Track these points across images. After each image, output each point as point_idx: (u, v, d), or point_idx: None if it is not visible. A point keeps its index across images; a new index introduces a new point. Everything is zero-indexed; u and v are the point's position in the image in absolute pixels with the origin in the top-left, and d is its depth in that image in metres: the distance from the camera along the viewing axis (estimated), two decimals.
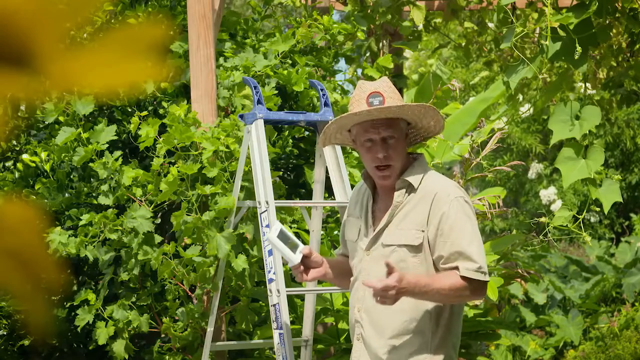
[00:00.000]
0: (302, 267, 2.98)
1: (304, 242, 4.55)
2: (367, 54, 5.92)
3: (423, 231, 2.86)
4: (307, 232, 4.23)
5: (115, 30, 0.81)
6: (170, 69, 4.42)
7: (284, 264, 3.61)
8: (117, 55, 0.81)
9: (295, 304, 4.62)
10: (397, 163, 2.91)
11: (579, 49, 3.49)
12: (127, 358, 4.17)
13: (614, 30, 4.46)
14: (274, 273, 3.58)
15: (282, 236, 2.98)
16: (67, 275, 4.53)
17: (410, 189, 2.91)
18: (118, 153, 4.25)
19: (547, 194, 11.92)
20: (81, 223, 4.12)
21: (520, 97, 5.46)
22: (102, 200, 4.21)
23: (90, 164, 4.24)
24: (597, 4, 3.55)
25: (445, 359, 2.89)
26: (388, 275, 2.66)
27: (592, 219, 12.35)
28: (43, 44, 0.78)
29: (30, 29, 0.78)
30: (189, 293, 4.16)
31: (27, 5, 0.78)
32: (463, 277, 2.79)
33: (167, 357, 4.17)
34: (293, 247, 2.98)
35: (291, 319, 4.52)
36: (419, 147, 5.60)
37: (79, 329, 4.27)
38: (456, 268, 2.80)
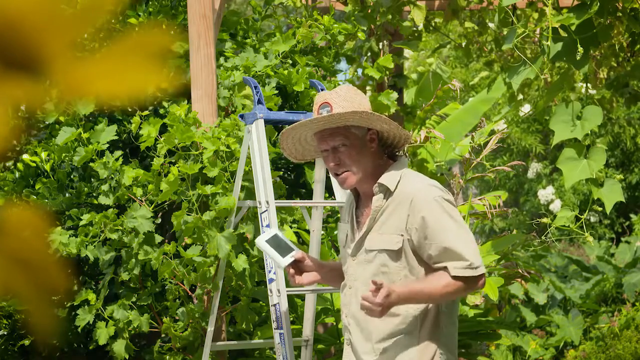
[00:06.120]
0: (292, 271, 3.00)
1: (305, 242, 4.56)
2: (368, 54, 5.92)
3: (402, 235, 2.85)
4: (308, 232, 4.23)
5: (123, 37, 0.81)
6: (171, 69, 4.42)
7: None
8: (125, 62, 0.80)
9: (295, 304, 4.62)
10: (356, 168, 2.89)
11: (580, 49, 3.49)
12: (127, 358, 4.17)
13: (615, 30, 4.46)
14: (274, 273, 3.58)
15: (274, 240, 3.01)
16: (68, 275, 4.53)
17: (388, 192, 2.89)
18: (118, 153, 4.25)
19: (545, 193, 11.92)
20: (82, 223, 4.12)
21: (521, 97, 5.46)
22: (103, 200, 4.21)
23: (91, 164, 4.24)
24: (598, 4, 3.54)
25: (434, 357, 2.87)
26: (375, 292, 2.67)
27: (592, 219, 12.35)
28: (51, 50, 0.78)
29: (39, 35, 0.78)
30: (190, 293, 4.16)
31: (37, 11, 0.77)
32: (454, 276, 2.78)
33: (167, 357, 4.17)
34: (285, 252, 3.00)
35: (291, 318, 4.52)
36: (419, 147, 5.61)
37: (79, 329, 4.27)
38: (445, 268, 2.78)
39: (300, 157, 3.18)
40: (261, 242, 3.02)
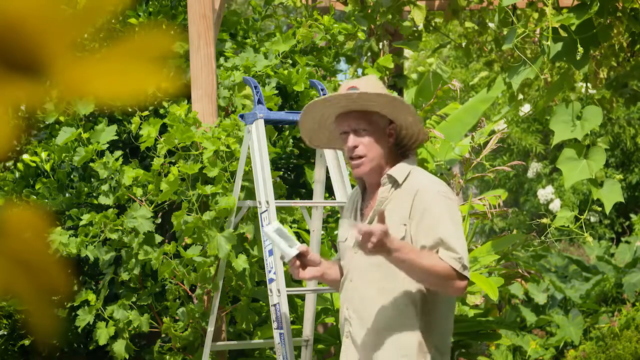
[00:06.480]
0: (297, 262, 3.00)
1: (305, 242, 4.55)
2: (368, 54, 5.91)
3: (405, 225, 2.87)
4: (308, 232, 4.23)
5: (123, 38, 0.81)
6: (171, 69, 4.42)
7: (284, 264, 3.63)
8: (125, 63, 0.80)
9: (295, 304, 4.62)
10: (372, 155, 2.92)
11: (580, 49, 3.49)
12: (127, 358, 4.17)
13: (615, 30, 4.46)
14: (274, 273, 3.58)
15: (279, 233, 3.02)
16: (68, 275, 4.53)
17: (396, 185, 2.93)
18: (118, 153, 4.25)
19: (545, 193, 11.91)
20: (82, 223, 4.12)
21: (521, 97, 5.46)
22: (103, 200, 4.21)
23: (91, 164, 4.24)
24: (598, 4, 3.54)
25: (430, 350, 2.88)
26: (379, 222, 2.66)
27: (592, 219, 12.35)
28: (52, 51, 0.78)
29: (40, 36, 0.78)
30: (190, 293, 4.16)
31: (38, 12, 0.77)
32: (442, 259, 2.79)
33: (167, 357, 4.17)
34: (291, 244, 3.01)
35: (292, 318, 4.52)
36: (419, 146, 5.60)
37: (79, 329, 4.27)
38: (437, 252, 2.80)
39: (314, 139, 3.17)
40: (270, 231, 3.03)
